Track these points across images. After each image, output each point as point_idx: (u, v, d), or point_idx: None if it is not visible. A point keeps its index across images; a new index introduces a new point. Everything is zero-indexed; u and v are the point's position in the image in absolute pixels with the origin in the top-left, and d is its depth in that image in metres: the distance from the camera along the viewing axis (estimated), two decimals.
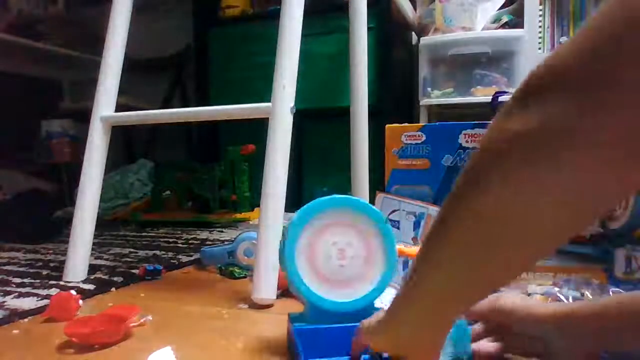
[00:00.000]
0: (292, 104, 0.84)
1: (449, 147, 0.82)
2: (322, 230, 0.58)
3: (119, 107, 1.02)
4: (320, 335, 0.55)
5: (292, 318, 0.59)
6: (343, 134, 1.40)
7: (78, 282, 0.93)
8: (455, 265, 0.32)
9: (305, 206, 0.59)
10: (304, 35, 0.86)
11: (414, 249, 0.67)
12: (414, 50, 2.06)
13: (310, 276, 0.57)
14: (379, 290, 0.58)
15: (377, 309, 0.59)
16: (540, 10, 1.83)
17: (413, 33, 2.10)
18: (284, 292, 0.80)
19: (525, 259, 0.31)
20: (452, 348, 0.53)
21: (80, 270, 0.96)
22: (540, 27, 1.82)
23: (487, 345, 0.52)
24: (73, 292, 0.77)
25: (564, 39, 1.80)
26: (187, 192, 1.78)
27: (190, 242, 1.37)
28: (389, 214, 0.87)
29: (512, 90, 1.68)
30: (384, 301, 0.61)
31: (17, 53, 2.17)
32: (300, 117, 1.00)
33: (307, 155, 1.84)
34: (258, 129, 0.91)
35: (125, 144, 2.41)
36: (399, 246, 0.60)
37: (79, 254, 0.96)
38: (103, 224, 1.66)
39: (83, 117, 1.25)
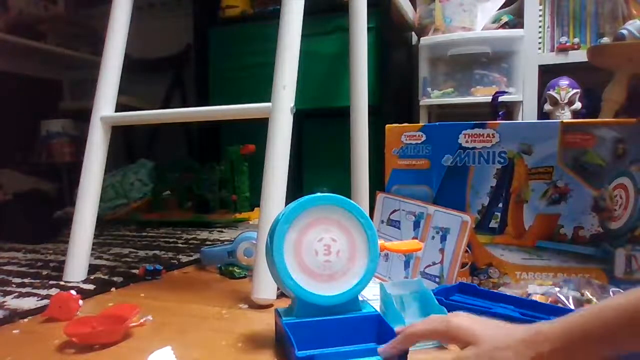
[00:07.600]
0: (292, 104, 0.84)
1: (449, 147, 0.82)
2: (308, 227, 0.60)
3: (119, 107, 1.03)
4: (309, 328, 0.57)
5: (281, 312, 0.60)
6: (343, 134, 1.40)
7: (78, 282, 0.93)
8: None
9: (291, 204, 0.61)
10: (304, 35, 0.86)
11: (395, 244, 0.69)
12: (413, 50, 2.06)
13: (297, 271, 0.59)
14: (362, 284, 0.60)
15: (362, 302, 0.61)
16: (540, 10, 1.83)
17: (413, 33, 2.10)
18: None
19: None
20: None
21: (80, 270, 0.96)
22: (540, 27, 1.82)
23: None
24: (73, 292, 0.77)
25: (564, 39, 1.80)
26: (187, 192, 1.78)
27: (190, 242, 1.37)
28: (389, 214, 0.87)
29: (512, 90, 1.69)
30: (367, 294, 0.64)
31: (17, 53, 2.17)
32: (300, 117, 1.00)
33: (307, 155, 1.84)
34: (258, 129, 0.91)
35: (125, 144, 2.41)
36: (380, 241, 0.62)
37: (79, 254, 0.96)
38: (103, 224, 1.66)
39: (83, 117, 1.25)
